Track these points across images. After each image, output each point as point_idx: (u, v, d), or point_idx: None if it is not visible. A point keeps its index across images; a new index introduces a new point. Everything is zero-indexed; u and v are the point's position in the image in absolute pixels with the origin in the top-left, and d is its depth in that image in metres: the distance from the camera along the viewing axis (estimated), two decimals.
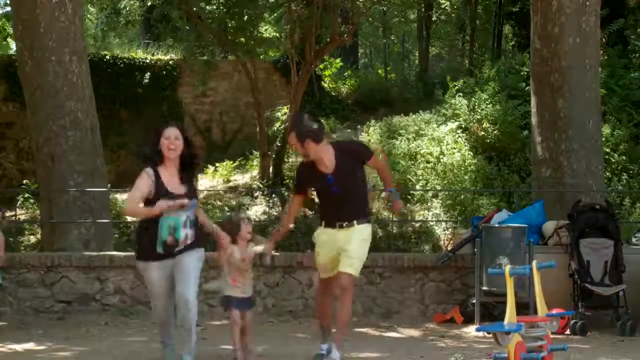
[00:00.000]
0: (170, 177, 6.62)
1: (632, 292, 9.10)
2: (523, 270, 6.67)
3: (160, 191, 6.52)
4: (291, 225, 7.54)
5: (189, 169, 6.69)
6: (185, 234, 6.56)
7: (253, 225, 7.13)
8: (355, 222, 6.92)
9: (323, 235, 7.04)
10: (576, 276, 9.16)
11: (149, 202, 6.55)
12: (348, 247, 6.88)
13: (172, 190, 6.54)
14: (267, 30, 17.95)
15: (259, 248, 7.06)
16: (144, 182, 6.54)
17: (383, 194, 12.67)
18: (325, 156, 6.88)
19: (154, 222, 6.52)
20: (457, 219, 13.39)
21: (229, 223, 7.00)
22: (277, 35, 18.20)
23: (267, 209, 14.56)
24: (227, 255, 6.90)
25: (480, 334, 8.44)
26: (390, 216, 12.97)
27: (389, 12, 18.02)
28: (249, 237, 6.98)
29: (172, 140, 6.56)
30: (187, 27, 16.60)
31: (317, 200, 7.34)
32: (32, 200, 14.87)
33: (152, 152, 6.59)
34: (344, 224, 6.92)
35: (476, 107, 15.80)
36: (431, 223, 13.75)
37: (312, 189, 7.25)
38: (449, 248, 11.04)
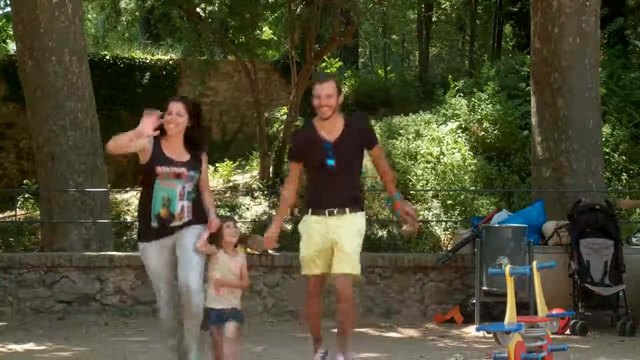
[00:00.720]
0: (171, 147, 6.15)
1: (632, 292, 9.11)
2: (523, 270, 6.67)
3: (156, 156, 6.04)
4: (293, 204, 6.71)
5: (193, 145, 6.19)
6: (182, 206, 5.99)
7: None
8: (347, 209, 6.25)
9: (312, 224, 6.29)
10: (576, 276, 9.16)
11: (145, 170, 6.10)
12: (340, 240, 6.19)
13: (171, 155, 6.08)
14: (266, 32, 17.91)
15: (265, 235, 6.36)
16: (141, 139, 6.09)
17: (382, 194, 12.64)
18: (335, 122, 6.28)
19: (150, 196, 6.04)
20: (457, 219, 13.39)
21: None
22: (277, 35, 18.16)
23: (267, 209, 14.54)
24: (211, 251, 6.08)
25: (480, 334, 8.45)
26: (390, 216, 12.97)
27: (388, 12, 18.00)
28: (233, 241, 6.18)
29: (173, 116, 6.13)
30: (187, 27, 16.59)
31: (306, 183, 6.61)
32: (32, 200, 14.86)
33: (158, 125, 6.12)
34: (335, 211, 6.23)
35: (476, 107, 15.80)
36: (431, 223, 13.74)
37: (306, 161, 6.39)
38: (449, 248, 11.04)
